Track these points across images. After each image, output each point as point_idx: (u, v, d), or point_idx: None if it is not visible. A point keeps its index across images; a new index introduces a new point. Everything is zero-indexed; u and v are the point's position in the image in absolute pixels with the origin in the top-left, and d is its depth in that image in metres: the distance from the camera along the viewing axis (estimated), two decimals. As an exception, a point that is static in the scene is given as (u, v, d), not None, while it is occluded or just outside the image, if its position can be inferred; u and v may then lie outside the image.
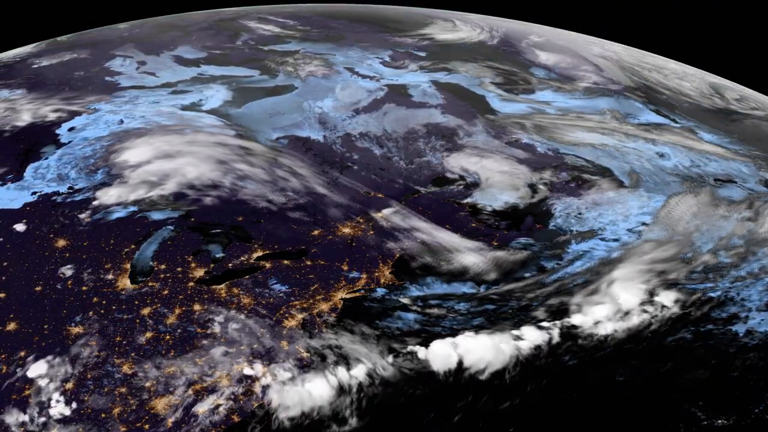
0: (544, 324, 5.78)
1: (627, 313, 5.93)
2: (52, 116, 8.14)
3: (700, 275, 6.41)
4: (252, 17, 12.06)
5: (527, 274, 6.26)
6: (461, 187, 7.30)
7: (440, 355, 5.45)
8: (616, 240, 6.71)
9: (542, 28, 12.69)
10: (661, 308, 6.03)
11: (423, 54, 10.50)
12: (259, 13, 12.36)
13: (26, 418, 4.86)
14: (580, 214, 7.00)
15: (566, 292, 6.10)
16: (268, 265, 6.03)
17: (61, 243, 6.10)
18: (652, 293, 6.15)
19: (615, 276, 6.29)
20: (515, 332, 5.67)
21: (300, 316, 5.61)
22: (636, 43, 12.13)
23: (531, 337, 5.66)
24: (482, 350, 5.50)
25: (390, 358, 5.37)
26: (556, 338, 5.68)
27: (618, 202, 7.23)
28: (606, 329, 5.80)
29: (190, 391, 5.03)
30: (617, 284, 6.21)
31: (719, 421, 5.29)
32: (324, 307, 5.72)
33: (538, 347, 5.59)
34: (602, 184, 7.47)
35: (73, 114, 8.17)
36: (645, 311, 5.97)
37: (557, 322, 5.82)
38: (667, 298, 6.14)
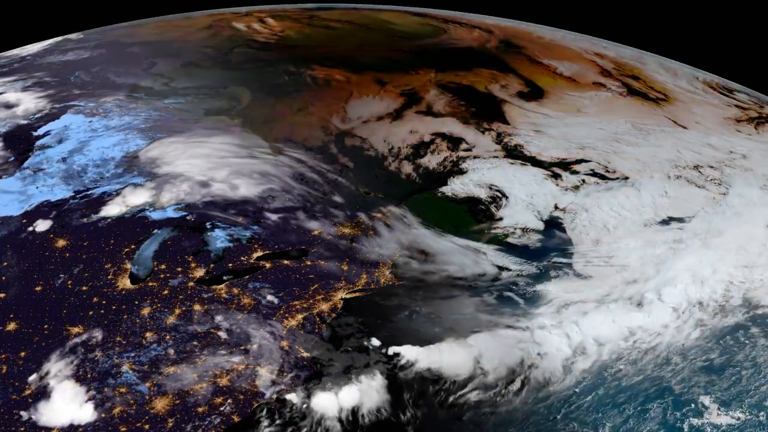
0: (567, 330, 5.79)
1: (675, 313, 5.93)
2: (57, 114, 8.15)
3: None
4: (252, 18, 12.07)
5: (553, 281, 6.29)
6: (484, 198, 7.29)
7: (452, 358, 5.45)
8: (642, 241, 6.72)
9: (542, 28, 12.69)
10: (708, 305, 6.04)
11: (430, 57, 10.50)
12: (260, 13, 12.36)
13: (26, 417, 4.86)
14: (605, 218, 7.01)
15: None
16: (268, 265, 6.04)
17: (61, 243, 6.11)
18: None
19: (656, 278, 6.30)
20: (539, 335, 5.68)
21: (300, 316, 5.61)
22: (636, 43, 12.14)
23: (554, 342, 5.66)
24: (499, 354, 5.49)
25: (394, 363, 5.38)
26: (577, 342, 5.68)
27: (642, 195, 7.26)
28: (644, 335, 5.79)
29: (190, 391, 5.04)
30: (658, 285, 6.22)
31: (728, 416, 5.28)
32: (324, 307, 5.72)
33: (560, 354, 5.59)
34: (625, 183, 7.50)
35: (78, 113, 8.18)
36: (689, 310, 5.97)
37: (579, 327, 5.82)
38: (714, 292, 6.16)
